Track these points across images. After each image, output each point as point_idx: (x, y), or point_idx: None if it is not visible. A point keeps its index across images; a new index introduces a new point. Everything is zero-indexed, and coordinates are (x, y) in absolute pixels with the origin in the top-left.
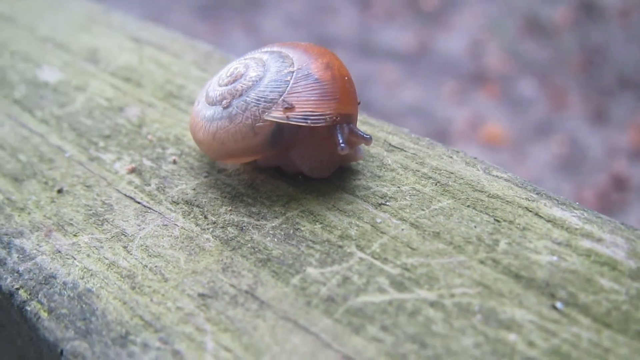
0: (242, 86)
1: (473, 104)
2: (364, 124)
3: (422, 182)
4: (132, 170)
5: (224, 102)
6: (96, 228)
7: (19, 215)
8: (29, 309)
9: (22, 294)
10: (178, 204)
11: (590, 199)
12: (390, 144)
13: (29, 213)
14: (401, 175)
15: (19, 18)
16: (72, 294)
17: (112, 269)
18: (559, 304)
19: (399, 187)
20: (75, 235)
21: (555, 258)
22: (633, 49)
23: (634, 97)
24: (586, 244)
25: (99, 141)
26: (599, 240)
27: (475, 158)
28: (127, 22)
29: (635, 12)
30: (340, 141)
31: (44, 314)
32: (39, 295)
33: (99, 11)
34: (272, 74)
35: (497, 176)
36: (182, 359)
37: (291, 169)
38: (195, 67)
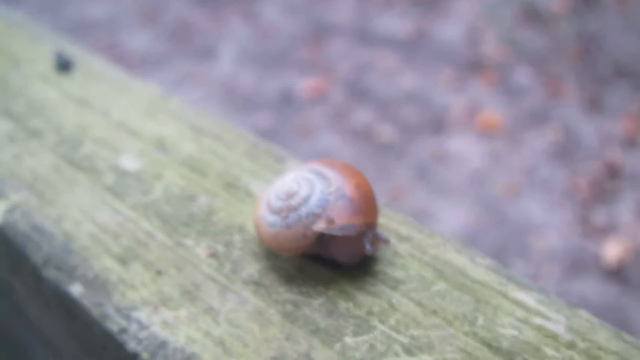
0: (296, 202)
1: (470, 91)
2: (382, 215)
3: (424, 268)
4: (211, 255)
5: (283, 214)
6: (190, 304)
7: (130, 292)
8: None
9: (145, 355)
10: (248, 284)
11: (583, 186)
12: (400, 235)
13: (138, 290)
14: (409, 262)
15: (94, 102)
16: (182, 356)
17: (207, 337)
18: None
19: (407, 273)
20: (176, 309)
21: (516, 332)
22: (629, 37)
23: (629, 85)
24: (538, 321)
25: (180, 228)
26: (547, 318)
27: (463, 246)
28: (184, 108)
29: (632, 0)
30: (367, 245)
31: None
32: (158, 357)
33: (158, 96)
34: (317, 193)
35: (479, 263)
36: None
37: (329, 257)
38: (247, 158)
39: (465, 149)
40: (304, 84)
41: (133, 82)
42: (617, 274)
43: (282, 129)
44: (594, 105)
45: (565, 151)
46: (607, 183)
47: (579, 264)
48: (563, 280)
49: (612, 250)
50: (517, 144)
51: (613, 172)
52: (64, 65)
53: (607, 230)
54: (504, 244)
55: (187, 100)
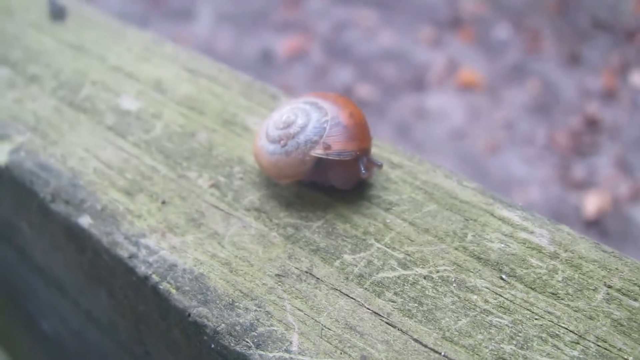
0: (293, 131)
1: (449, 48)
2: (373, 145)
3: (416, 192)
4: (213, 185)
5: (282, 142)
6: (196, 229)
7: (138, 222)
8: (161, 287)
9: (155, 277)
10: (250, 210)
11: (563, 141)
12: (392, 163)
13: (145, 219)
14: (401, 187)
15: (90, 48)
16: (191, 277)
17: (214, 259)
18: (504, 276)
19: (400, 196)
20: (182, 235)
21: (502, 245)
22: None
23: (608, 39)
24: (523, 235)
25: (182, 162)
26: (532, 232)
27: (451, 171)
28: (179, 52)
29: None
30: (362, 169)
31: (173, 291)
32: (168, 278)
33: (152, 41)
34: (314, 122)
35: (466, 186)
36: (272, 316)
37: (326, 183)
38: (242, 97)
39: (445, 105)
40: (283, 44)
41: (127, 28)
42: (596, 225)
43: None
44: (573, 60)
45: (545, 106)
46: (587, 137)
47: (559, 217)
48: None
49: (592, 203)
50: (497, 100)
51: (592, 126)
52: (57, 13)
53: (586, 183)
54: None
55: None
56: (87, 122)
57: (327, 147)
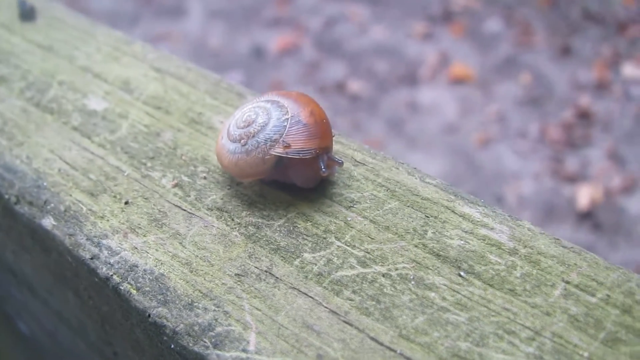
0: (254, 130)
1: (441, 42)
2: (336, 143)
3: (378, 189)
4: (176, 185)
5: (242, 141)
6: (158, 230)
7: (100, 222)
8: (122, 288)
9: (116, 278)
10: (212, 210)
11: (555, 133)
12: (355, 160)
13: (108, 220)
14: (363, 184)
15: (59, 48)
16: (151, 277)
17: (175, 259)
18: (462, 273)
19: (362, 194)
20: (144, 236)
21: (462, 242)
22: None
23: (599, 31)
24: (483, 231)
25: (146, 162)
26: (492, 229)
27: (415, 168)
28: (147, 51)
29: None
30: (322, 167)
31: (133, 291)
32: (128, 279)
33: (122, 41)
34: (274, 120)
35: (429, 182)
36: (230, 316)
37: (288, 182)
38: (209, 96)
39: (437, 100)
40: (275, 40)
41: (96, 28)
42: (589, 217)
43: (254, 86)
44: (565, 52)
45: (537, 99)
46: (579, 129)
47: (552, 209)
48: (538, 225)
49: (585, 195)
50: (489, 93)
51: (585, 118)
52: (27, 13)
53: (579, 176)
54: (479, 192)
55: (149, 45)
56: (54, 123)
57: (287, 145)
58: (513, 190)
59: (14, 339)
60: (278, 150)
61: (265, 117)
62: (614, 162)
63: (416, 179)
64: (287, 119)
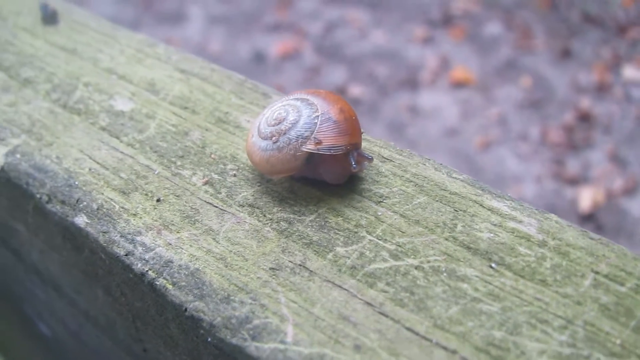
0: (285, 127)
1: (441, 46)
2: (363, 140)
3: (406, 184)
4: (206, 183)
5: (274, 138)
6: (191, 226)
7: (134, 220)
8: (158, 283)
9: (151, 274)
10: (243, 206)
11: (556, 136)
12: (383, 157)
13: (141, 217)
14: (391, 180)
15: (82, 51)
16: (187, 272)
17: (209, 254)
18: (493, 264)
19: (390, 189)
20: (178, 232)
21: (492, 235)
22: None
23: (599, 34)
24: (511, 224)
25: (176, 160)
26: (520, 222)
27: (441, 164)
28: (170, 53)
29: None
30: (353, 162)
31: (169, 286)
32: (164, 274)
33: (145, 43)
34: (305, 117)
35: (456, 178)
36: (267, 309)
37: (318, 178)
38: (234, 95)
39: (438, 103)
40: (275, 45)
41: (118, 31)
42: (591, 219)
43: None
44: (565, 55)
45: (538, 101)
46: (580, 131)
47: (554, 212)
48: None
49: (586, 197)
50: (490, 97)
51: (586, 121)
52: (49, 17)
53: (581, 178)
54: None
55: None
56: (81, 124)
57: (318, 142)
58: (515, 193)
59: (32, 341)
60: (309, 147)
61: (296, 115)
62: (616, 164)
63: (443, 174)
64: (318, 116)
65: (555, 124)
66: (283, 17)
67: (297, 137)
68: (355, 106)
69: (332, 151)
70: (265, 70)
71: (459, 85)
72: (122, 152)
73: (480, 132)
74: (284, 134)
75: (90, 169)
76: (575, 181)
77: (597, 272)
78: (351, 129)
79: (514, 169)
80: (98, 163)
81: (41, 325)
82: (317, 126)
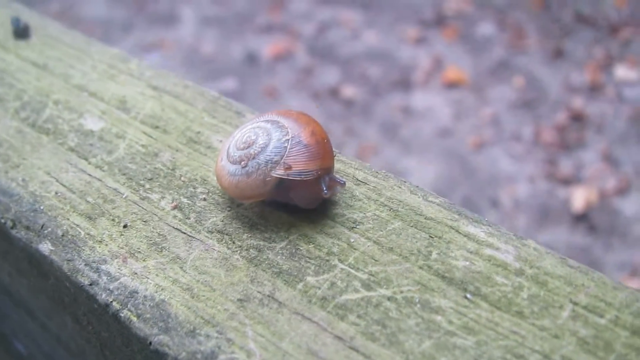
0: (254, 151)
1: (433, 47)
2: (337, 161)
3: (381, 209)
4: (175, 207)
5: (242, 163)
6: (158, 254)
7: (99, 247)
8: (122, 315)
9: (116, 305)
10: (213, 232)
11: (549, 136)
12: (357, 179)
13: (107, 244)
14: (366, 204)
15: (54, 66)
16: (152, 304)
17: (176, 284)
18: (469, 295)
19: (364, 214)
20: (144, 260)
21: (467, 263)
22: None
23: (591, 34)
24: (488, 252)
25: (145, 183)
26: (497, 249)
27: (417, 187)
28: (143, 69)
29: None
30: (324, 188)
31: (134, 318)
32: (129, 305)
33: (118, 58)
34: (274, 141)
35: (432, 201)
36: (233, 343)
37: (289, 202)
38: (207, 114)
39: (431, 104)
40: (268, 46)
41: (91, 46)
42: (584, 219)
43: (248, 91)
44: (557, 55)
45: (531, 102)
46: (573, 131)
47: (547, 212)
48: (533, 228)
49: (579, 197)
50: (483, 97)
51: (578, 121)
52: (21, 31)
53: (574, 178)
54: (474, 196)
55: (149, 64)
56: (50, 144)
57: (288, 167)
58: (508, 194)
59: (10, 357)
60: (279, 172)
61: (266, 138)
62: (608, 163)
63: (419, 197)
64: (288, 139)
65: (548, 124)
66: (275, 18)
67: (266, 162)
68: (349, 107)
69: (302, 176)
70: (258, 71)
71: (452, 85)
72: (89, 175)
73: (474, 132)
74: (253, 158)
75: (56, 193)
76: (568, 181)
77: (575, 303)
78: (323, 152)
79: (507, 169)
80: (65, 186)
81: (17, 344)
82: (287, 150)
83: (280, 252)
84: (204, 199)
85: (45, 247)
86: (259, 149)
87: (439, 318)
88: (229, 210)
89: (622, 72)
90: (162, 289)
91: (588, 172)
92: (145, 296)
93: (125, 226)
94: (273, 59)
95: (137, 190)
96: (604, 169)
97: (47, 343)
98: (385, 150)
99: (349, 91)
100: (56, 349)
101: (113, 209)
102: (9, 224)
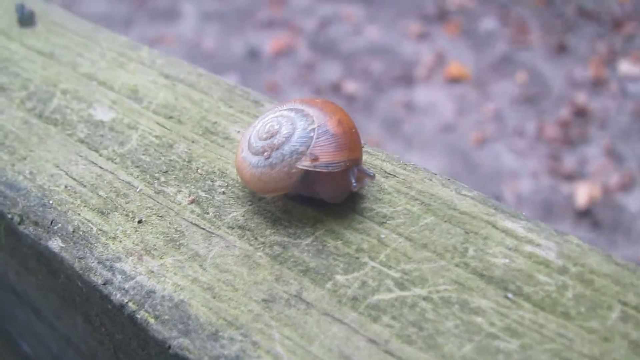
0: (278, 141)
1: (436, 42)
2: (364, 153)
3: (411, 203)
4: (192, 201)
5: (265, 154)
6: (175, 251)
7: (113, 244)
8: (138, 316)
9: (132, 306)
10: (233, 228)
11: (553, 131)
12: (385, 171)
13: (120, 241)
14: (395, 197)
15: (61, 54)
16: (170, 304)
17: (195, 284)
18: (510, 294)
19: (394, 208)
20: (161, 258)
21: (507, 260)
22: None
23: (594, 29)
24: (528, 248)
25: (160, 176)
26: (538, 245)
27: (449, 179)
28: (155, 57)
29: None
30: (353, 181)
31: (151, 320)
32: (145, 306)
33: (128, 46)
34: (299, 131)
35: (465, 195)
36: (259, 347)
37: (314, 196)
38: (223, 103)
39: (434, 99)
40: (270, 41)
41: (99, 33)
42: (588, 215)
43: (250, 87)
44: (561, 50)
45: (534, 97)
46: (576, 127)
47: (551, 207)
48: None
49: (583, 193)
50: (486, 92)
51: (582, 116)
52: (26, 18)
53: (577, 173)
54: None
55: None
56: (58, 135)
57: (315, 158)
58: (511, 189)
59: (16, 358)
60: (305, 164)
61: (290, 127)
62: (612, 159)
63: (451, 191)
64: (314, 129)
65: (551, 119)
66: (277, 13)
67: (291, 153)
68: (351, 102)
69: (330, 168)
70: (260, 67)
71: (454, 80)
72: (101, 167)
73: (476, 128)
74: (277, 149)
75: (66, 187)
76: (571, 177)
77: (624, 303)
78: (351, 142)
79: (510, 164)
80: (75, 180)
81: (23, 345)
82: (314, 140)
83: (306, 249)
84: (223, 193)
85: (55, 244)
86: (283, 139)
87: (479, 319)
88: (249, 205)
89: (625, 67)
90: (181, 289)
91: (591, 167)
92: (163, 296)
93: (139, 222)
94: (274, 54)
95: (152, 184)
96: (607, 164)
97: (56, 344)
98: (387, 146)
99: (350, 87)
100: (66, 351)
101: (126, 203)
102: (16, 219)
